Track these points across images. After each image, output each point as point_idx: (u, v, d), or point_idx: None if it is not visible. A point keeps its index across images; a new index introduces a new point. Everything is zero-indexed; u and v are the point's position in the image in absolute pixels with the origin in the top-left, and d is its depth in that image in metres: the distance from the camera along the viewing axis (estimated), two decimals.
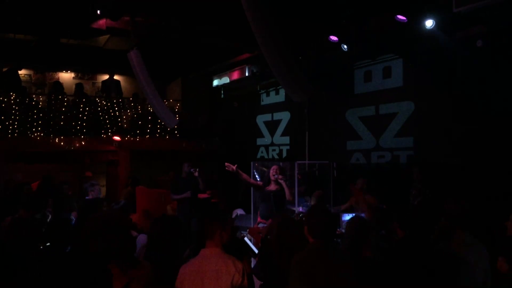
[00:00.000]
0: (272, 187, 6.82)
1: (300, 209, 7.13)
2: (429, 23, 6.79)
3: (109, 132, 11.84)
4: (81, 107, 11.64)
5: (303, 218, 3.68)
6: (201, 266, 3.13)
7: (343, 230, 6.72)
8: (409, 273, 3.16)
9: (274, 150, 11.94)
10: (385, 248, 3.93)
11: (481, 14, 6.36)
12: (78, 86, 12.68)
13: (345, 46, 8.20)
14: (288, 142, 11.50)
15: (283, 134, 11.67)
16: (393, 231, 3.83)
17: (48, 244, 3.65)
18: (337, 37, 8.13)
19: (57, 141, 11.02)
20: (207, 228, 3.27)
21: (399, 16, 6.98)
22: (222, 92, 13.06)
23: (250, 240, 5.83)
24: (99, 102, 12.19)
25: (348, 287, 3.04)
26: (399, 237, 3.56)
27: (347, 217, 6.97)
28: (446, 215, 3.66)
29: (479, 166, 6.87)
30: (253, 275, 3.85)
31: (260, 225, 6.88)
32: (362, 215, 6.90)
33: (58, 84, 12.71)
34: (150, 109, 11.86)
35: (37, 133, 10.90)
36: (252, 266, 4.09)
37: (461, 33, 7.14)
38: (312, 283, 3.02)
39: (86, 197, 7.42)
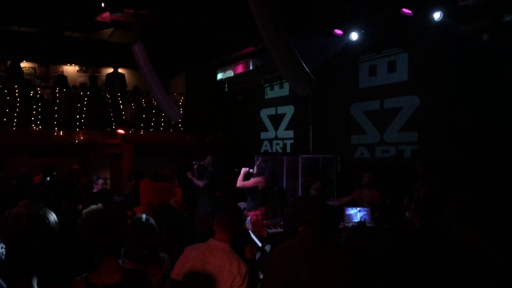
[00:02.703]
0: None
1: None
2: (436, 15, 6.74)
3: (113, 125, 11.85)
4: (85, 101, 11.66)
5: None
6: (205, 255, 3.10)
7: (347, 224, 6.74)
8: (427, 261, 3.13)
9: (278, 144, 11.93)
10: (387, 242, 3.91)
11: (487, 7, 6.32)
12: (92, 79, 12.73)
13: (354, 34, 8.12)
14: (292, 136, 11.48)
15: (287, 128, 11.65)
16: (405, 222, 3.82)
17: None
18: (342, 30, 8.09)
19: (61, 134, 11.05)
20: (220, 222, 3.22)
21: (405, 10, 6.93)
22: (226, 85, 13.01)
23: (254, 233, 5.85)
24: (103, 96, 12.20)
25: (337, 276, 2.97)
26: (415, 226, 3.55)
27: (351, 211, 7.00)
28: (450, 208, 3.66)
29: (484, 161, 6.83)
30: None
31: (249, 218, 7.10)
32: (365, 209, 6.95)
33: (62, 77, 12.72)
34: (154, 103, 11.87)
35: (41, 126, 10.92)
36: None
37: (467, 27, 7.08)
38: (292, 273, 2.97)
39: (93, 191, 7.47)
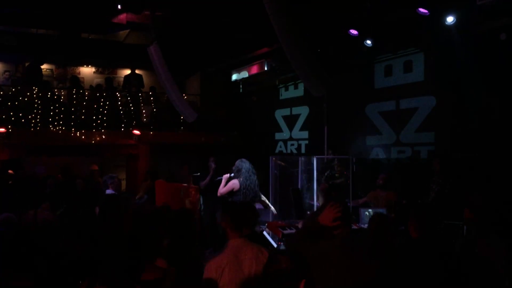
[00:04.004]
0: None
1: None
2: (449, 19, 6.67)
3: (129, 126, 11.96)
4: (101, 101, 11.78)
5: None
6: (237, 256, 3.19)
7: (363, 225, 6.70)
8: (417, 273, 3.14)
9: (292, 144, 11.92)
10: (402, 244, 3.88)
11: (505, 6, 6.23)
12: (107, 80, 12.88)
13: (369, 42, 8.10)
14: (307, 136, 11.46)
15: (301, 129, 11.63)
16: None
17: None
18: (357, 30, 8.05)
19: (78, 135, 11.19)
20: (231, 221, 3.30)
21: (421, 9, 6.87)
22: (240, 86, 13.06)
23: (268, 234, 5.85)
24: (119, 96, 12.32)
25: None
26: (412, 237, 3.51)
27: (367, 212, 6.95)
28: (470, 207, 3.63)
29: (501, 161, 6.74)
30: None
31: None
32: (381, 210, 6.88)
33: (75, 78, 12.90)
34: (169, 103, 11.94)
35: (59, 127, 11.07)
36: None
37: (484, 26, 6.99)
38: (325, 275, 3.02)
39: (107, 190, 7.49)
